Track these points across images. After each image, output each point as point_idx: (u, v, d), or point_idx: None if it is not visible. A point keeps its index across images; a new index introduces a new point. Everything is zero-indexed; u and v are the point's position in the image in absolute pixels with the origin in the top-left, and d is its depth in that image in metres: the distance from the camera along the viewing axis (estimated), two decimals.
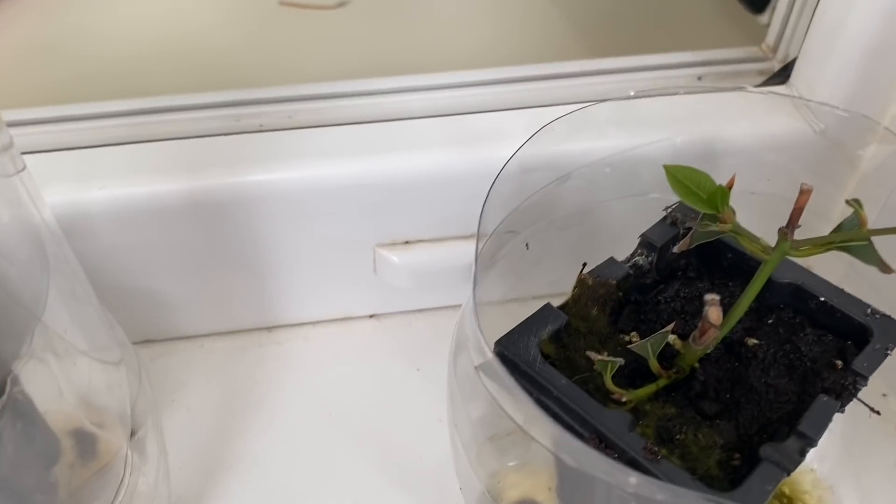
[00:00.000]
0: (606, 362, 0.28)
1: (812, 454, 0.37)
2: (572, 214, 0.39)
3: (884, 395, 0.43)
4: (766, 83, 0.48)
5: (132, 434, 0.34)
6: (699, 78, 0.50)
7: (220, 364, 0.48)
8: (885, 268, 0.26)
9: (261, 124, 0.45)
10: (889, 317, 0.31)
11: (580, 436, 0.28)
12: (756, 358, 0.31)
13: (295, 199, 0.42)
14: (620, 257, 0.34)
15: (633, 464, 0.27)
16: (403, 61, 0.57)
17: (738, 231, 0.28)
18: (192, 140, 0.43)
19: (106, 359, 0.34)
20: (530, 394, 0.28)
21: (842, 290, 0.32)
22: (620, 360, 0.29)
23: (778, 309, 0.33)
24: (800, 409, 0.29)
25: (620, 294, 0.33)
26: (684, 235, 0.32)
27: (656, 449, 0.27)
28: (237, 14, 0.63)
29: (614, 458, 0.26)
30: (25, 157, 0.29)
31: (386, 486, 0.42)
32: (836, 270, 0.35)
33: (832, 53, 0.42)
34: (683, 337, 0.31)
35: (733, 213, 0.28)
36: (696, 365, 0.31)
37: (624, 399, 0.29)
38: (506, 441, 0.36)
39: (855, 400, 0.30)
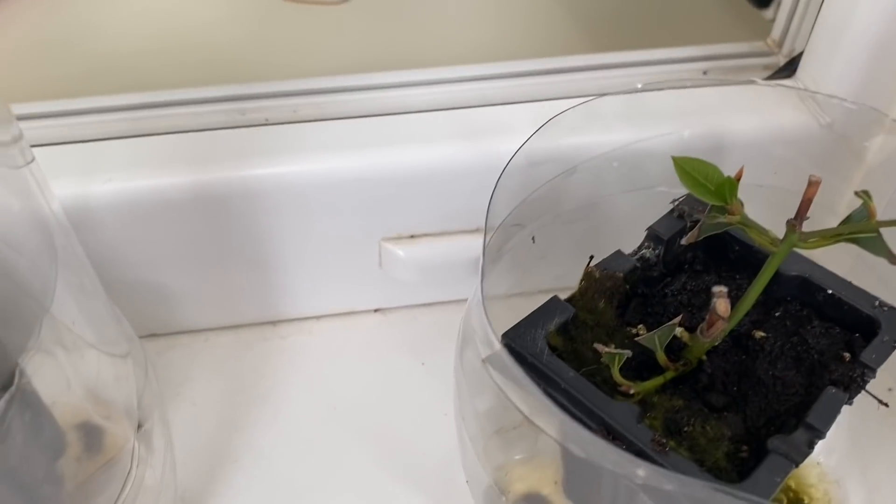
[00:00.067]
0: (614, 354, 0.28)
1: (818, 448, 0.37)
2: (579, 208, 0.39)
3: (889, 389, 0.43)
4: (771, 78, 0.48)
5: (139, 427, 0.34)
6: (704, 72, 0.50)
7: (224, 358, 0.48)
8: (893, 259, 0.26)
9: (266, 118, 0.45)
10: None
11: (588, 428, 0.28)
12: (763, 350, 0.31)
13: (300, 192, 0.42)
14: (626, 251, 0.34)
15: (641, 455, 0.27)
16: (408, 56, 0.57)
17: (747, 223, 0.28)
18: (197, 133, 0.43)
19: (113, 352, 0.34)
20: (538, 386, 0.28)
21: (849, 283, 0.32)
22: (628, 353, 0.28)
23: (785, 302, 0.33)
24: (807, 402, 0.29)
25: (627, 287, 0.33)
26: (691, 228, 0.32)
27: (664, 441, 0.27)
28: (242, 9, 0.63)
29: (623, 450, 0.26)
30: (32, 150, 0.29)
31: (391, 479, 0.42)
32: (843, 263, 0.35)
33: (838, 48, 0.42)
34: (690, 330, 0.31)
35: (741, 204, 0.28)
36: (704, 357, 0.31)
37: (632, 391, 0.29)
38: (512, 434, 0.36)
39: (861, 394, 0.30)
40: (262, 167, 0.42)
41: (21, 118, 0.44)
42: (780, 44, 0.49)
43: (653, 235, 0.34)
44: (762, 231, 0.29)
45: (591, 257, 0.33)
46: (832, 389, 0.28)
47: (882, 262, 0.27)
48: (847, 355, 0.30)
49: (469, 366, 0.33)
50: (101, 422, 0.33)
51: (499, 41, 0.61)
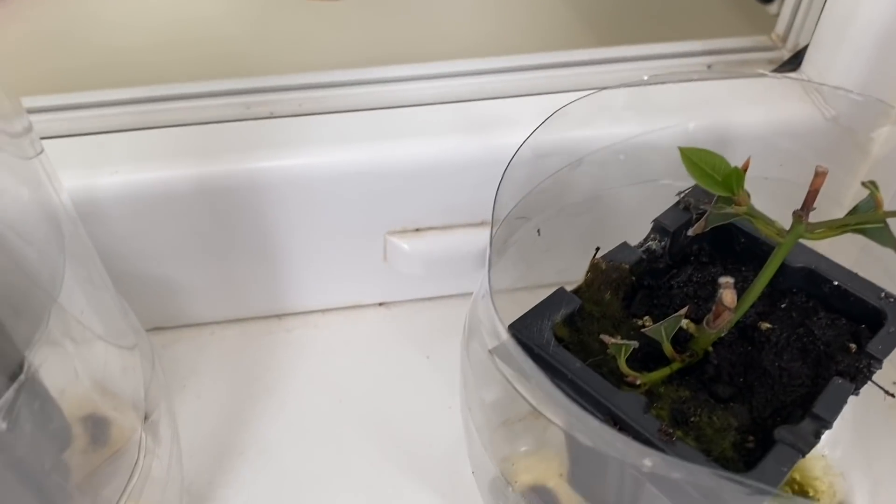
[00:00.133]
0: (620, 345, 0.28)
1: (823, 441, 0.37)
2: (584, 200, 0.39)
3: (894, 382, 0.43)
4: (776, 72, 0.48)
5: (146, 418, 0.35)
6: (709, 67, 0.50)
7: (230, 351, 0.48)
8: None
9: (271, 112, 0.45)
10: None
11: (595, 418, 0.28)
12: (769, 342, 0.31)
13: (305, 185, 0.42)
14: (632, 244, 0.34)
15: (648, 445, 0.27)
16: (412, 50, 0.57)
17: (753, 213, 0.28)
18: (202, 126, 0.43)
19: (121, 344, 0.34)
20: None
21: (855, 274, 0.32)
22: (635, 343, 0.29)
23: (791, 293, 0.33)
24: (813, 393, 0.29)
25: (633, 279, 0.33)
26: (698, 220, 0.32)
27: (671, 430, 0.27)
28: (247, 3, 0.63)
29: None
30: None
31: (396, 471, 0.42)
32: (849, 256, 0.35)
33: (843, 41, 0.42)
34: (696, 321, 0.31)
35: (748, 195, 0.28)
36: (710, 349, 0.31)
37: (638, 382, 0.29)
38: (518, 426, 0.36)
39: (867, 388, 0.30)
40: (267, 160, 0.42)
41: (29, 111, 0.44)
42: (785, 38, 0.49)
43: (659, 227, 0.34)
44: (769, 222, 0.29)
45: (598, 249, 0.33)
46: (838, 380, 0.28)
47: (888, 253, 0.27)
48: (853, 346, 0.30)
49: (475, 357, 0.33)
50: (108, 413, 0.33)
51: (503, 35, 0.61)
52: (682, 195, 0.35)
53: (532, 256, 0.40)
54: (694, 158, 0.28)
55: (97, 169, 0.40)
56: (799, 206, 0.28)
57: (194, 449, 0.43)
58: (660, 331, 0.29)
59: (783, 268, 0.32)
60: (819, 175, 0.27)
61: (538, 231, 0.38)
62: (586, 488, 0.33)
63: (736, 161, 0.29)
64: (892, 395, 0.30)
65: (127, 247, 0.43)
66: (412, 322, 0.49)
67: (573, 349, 0.30)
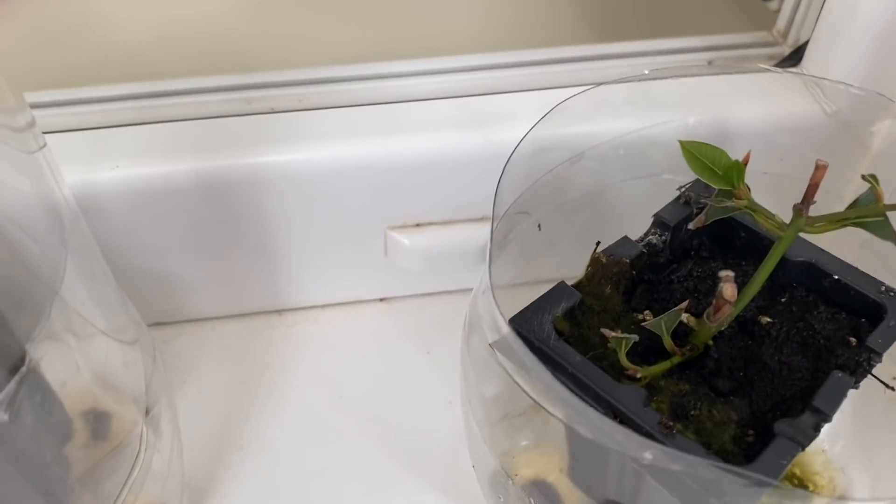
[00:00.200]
0: (621, 339, 0.28)
1: (824, 435, 0.37)
2: (584, 195, 0.39)
3: (894, 377, 0.43)
4: (777, 67, 0.48)
5: (147, 412, 0.35)
6: (709, 62, 0.50)
7: (230, 346, 0.48)
8: None
9: (271, 107, 0.45)
10: None
11: (596, 411, 0.28)
12: (769, 336, 0.31)
13: (306, 180, 0.43)
14: (633, 239, 0.34)
15: (648, 438, 0.27)
16: (413, 45, 0.57)
17: (754, 207, 0.29)
18: (203, 121, 0.43)
19: (122, 338, 0.34)
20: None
21: (855, 268, 0.32)
22: (635, 337, 0.29)
23: (791, 287, 0.33)
24: (813, 386, 0.29)
25: (634, 273, 0.33)
26: (698, 214, 0.32)
27: (671, 424, 0.27)
28: None
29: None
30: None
31: (396, 466, 0.42)
32: (850, 250, 0.35)
33: (844, 37, 0.42)
34: (697, 315, 0.31)
35: (748, 189, 0.28)
36: (710, 343, 0.31)
37: (638, 375, 0.29)
38: (518, 421, 0.36)
39: (867, 383, 0.30)
40: (268, 155, 0.42)
41: (30, 106, 0.44)
42: (785, 34, 0.50)
43: (659, 222, 0.34)
44: (769, 215, 0.29)
45: (598, 243, 0.34)
46: (838, 374, 0.28)
47: (889, 247, 0.27)
48: (853, 340, 0.30)
49: (476, 352, 0.33)
50: (110, 407, 0.33)
51: (504, 31, 0.61)
52: (683, 189, 0.35)
53: (532, 251, 0.40)
54: (694, 152, 0.28)
55: (98, 163, 0.40)
56: (800, 201, 0.28)
57: (195, 443, 0.43)
58: (660, 325, 0.29)
59: (783, 262, 0.32)
60: (819, 168, 0.27)
61: (539, 226, 0.38)
62: (586, 482, 0.33)
63: (736, 156, 0.29)
64: (893, 389, 0.30)
65: (128, 241, 0.43)
66: (413, 317, 0.50)
67: (574, 343, 0.30)
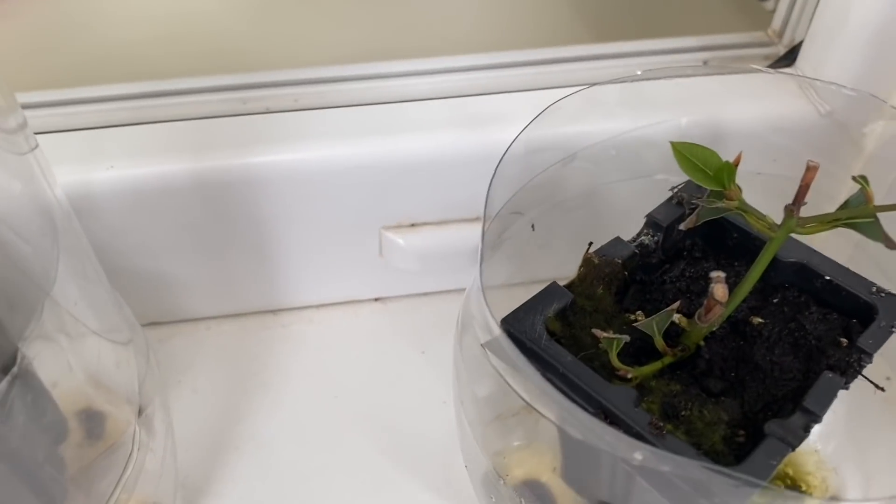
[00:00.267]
0: (612, 339, 0.29)
1: (816, 436, 0.37)
2: (578, 195, 0.39)
3: (888, 378, 0.43)
4: (771, 67, 0.48)
5: (140, 412, 0.35)
6: (705, 62, 0.50)
7: (226, 346, 0.48)
8: (890, 244, 0.26)
9: (267, 107, 0.45)
10: (894, 295, 0.31)
11: (586, 412, 0.28)
12: (761, 336, 0.31)
13: (301, 180, 0.43)
14: (626, 238, 0.34)
15: (639, 438, 0.27)
16: (408, 45, 0.57)
17: (745, 208, 0.29)
18: (198, 121, 0.43)
19: (115, 339, 0.34)
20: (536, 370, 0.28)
21: (847, 269, 0.32)
22: (626, 337, 0.29)
23: (783, 288, 0.33)
24: (804, 387, 0.29)
25: (626, 273, 0.33)
26: (690, 215, 0.32)
27: (661, 424, 0.27)
28: None
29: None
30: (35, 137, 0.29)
31: (391, 465, 0.42)
32: (842, 252, 0.35)
33: (838, 37, 0.42)
34: (689, 316, 0.31)
35: (740, 190, 0.29)
36: (702, 343, 0.31)
37: (629, 376, 0.29)
38: (511, 421, 0.36)
39: (860, 384, 0.30)
40: (264, 155, 0.42)
41: (25, 106, 0.44)
42: (781, 34, 0.50)
43: (652, 222, 0.34)
44: (760, 216, 0.29)
45: (591, 243, 0.34)
46: (829, 374, 0.29)
47: (881, 248, 0.27)
48: (844, 341, 0.30)
49: (468, 352, 0.33)
50: (103, 407, 0.33)
51: (499, 31, 0.61)
52: (676, 190, 0.35)
53: (526, 251, 0.40)
54: (685, 153, 0.28)
55: (93, 164, 0.40)
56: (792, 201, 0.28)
57: (190, 443, 0.43)
58: (652, 325, 0.29)
59: (775, 262, 0.32)
60: (810, 170, 0.27)
61: (532, 226, 0.38)
62: (579, 482, 0.33)
63: (730, 156, 0.29)
64: (883, 390, 0.30)
65: (123, 242, 0.43)
66: (408, 317, 0.50)
67: (565, 343, 0.30)
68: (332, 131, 0.43)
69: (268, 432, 0.44)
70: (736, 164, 0.28)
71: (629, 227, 0.35)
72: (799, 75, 0.45)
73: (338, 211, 0.44)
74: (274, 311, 0.50)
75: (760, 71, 0.41)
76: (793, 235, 0.29)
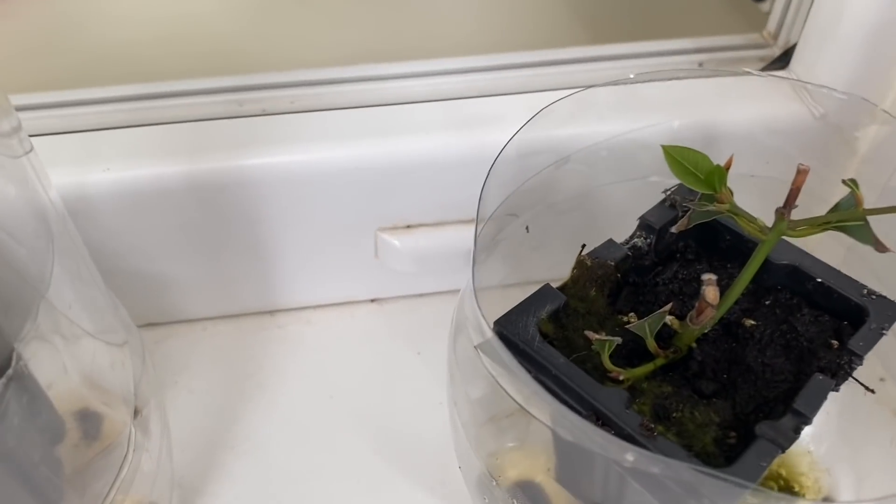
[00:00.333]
0: (604, 341, 0.29)
1: (809, 437, 0.37)
2: (572, 198, 0.39)
3: (882, 379, 0.43)
4: (766, 69, 0.48)
5: (136, 413, 0.35)
6: (700, 64, 0.50)
7: (222, 347, 0.48)
8: (880, 247, 0.26)
9: (263, 109, 0.45)
10: (885, 297, 0.31)
11: (578, 413, 0.28)
12: (753, 338, 0.31)
13: (297, 182, 0.43)
14: (620, 241, 0.34)
15: (630, 440, 0.27)
16: (405, 47, 0.57)
17: (736, 211, 0.29)
18: (194, 123, 0.44)
19: (110, 340, 0.35)
20: (528, 372, 0.28)
21: (838, 272, 0.32)
22: (618, 339, 0.29)
23: (775, 290, 0.33)
24: (796, 389, 0.29)
25: (619, 275, 0.34)
26: (683, 217, 0.32)
27: (652, 426, 0.27)
28: (240, 0, 0.63)
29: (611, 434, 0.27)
30: (31, 139, 0.29)
31: (386, 466, 0.42)
32: (836, 255, 0.35)
33: (831, 39, 0.42)
34: (681, 318, 0.31)
35: (731, 193, 0.29)
36: (694, 345, 0.31)
37: (621, 377, 0.29)
38: (505, 422, 0.36)
39: (853, 384, 0.30)
40: (259, 157, 0.42)
41: (21, 109, 0.45)
42: (776, 36, 0.50)
43: (644, 224, 0.34)
44: (751, 219, 0.29)
45: (583, 246, 0.34)
46: (819, 376, 0.29)
47: (873, 252, 0.27)
48: (835, 343, 0.30)
49: (462, 354, 0.33)
50: (100, 408, 0.33)
51: (495, 33, 0.62)
52: (668, 193, 0.35)
53: (521, 253, 0.40)
54: (676, 156, 0.28)
55: (89, 166, 0.41)
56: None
57: (186, 443, 0.43)
58: (644, 327, 0.30)
59: (768, 265, 0.32)
60: (801, 173, 0.28)
61: (527, 228, 0.38)
62: (573, 484, 0.34)
63: (723, 159, 0.29)
64: (873, 392, 0.30)
65: (119, 243, 0.43)
66: (403, 318, 0.50)
67: (558, 345, 0.30)
68: (328, 133, 0.43)
69: (264, 433, 0.44)
70: (727, 167, 0.28)
71: (623, 229, 0.35)
72: (792, 78, 0.45)
73: (334, 212, 0.45)
74: (270, 312, 0.50)
75: (751, 74, 0.41)
76: (785, 238, 0.29)
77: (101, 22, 0.61)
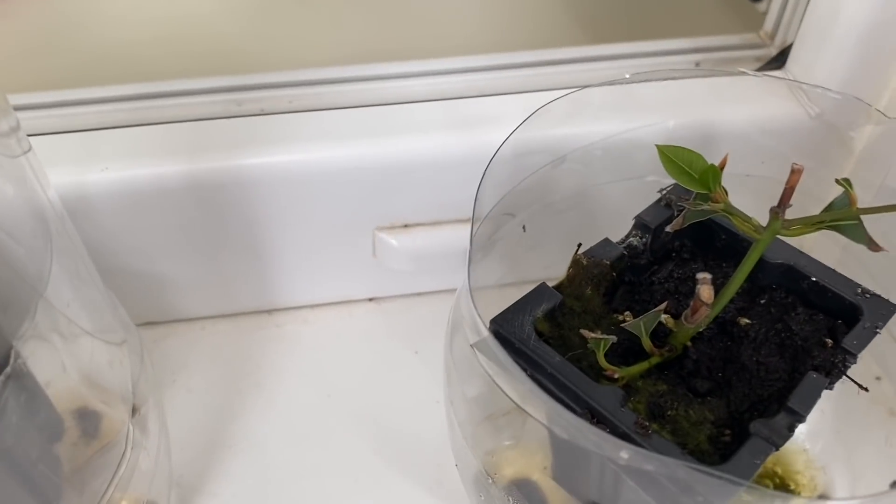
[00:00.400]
0: (600, 340, 0.29)
1: (804, 435, 0.37)
2: (569, 197, 0.39)
3: (877, 378, 0.44)
4: (762, 69, 0.48)
5: (134, 412, 0.35)
6: (697, 64, 0.50)
7: (221, 346, 0.48)
8: (873, 246, 0.27)
9: (262, 109, 0.46)
10: (879, 296, 0.31)
11: (573, 411, 0.28)
12: (748, 337, 0.31)
13: (295, 181, 0.43)
14: (616, 240, 0.35)
15: (625, 438, 0.27)
16: (402, 47, 0.58)
17: (730, 210, 0.29)
18: (193, 123, 0.44)
19: (109, 339, 0.35)
20: (524, 371, 0.29)
21: (833, 270, 0.32)
22: (613, 338, 0.29)
23: (770, 289, 0.33)
24: (790, 387, 0.29)
25: (614, 274, 0.34)
26: (678, 216, 0.32)
27: (647, 424, 0.27)
28: (239, 1, 0.64)
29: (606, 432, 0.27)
30: (30, 139, 0.29)
31: (383, 464, 0.42)
32: (831, 255, 0.35)
33: (827, 38, 0.42)
34: (677, 317, 0.31)
35: (725, 192, 0.29)
36: (689, 344, 0.31)
37: (616, 376, 0.29)
38: (502, 421, 0.36)
39: (849, 383, 0.30)
40: (258, 156, 0.42)
41: (19, 108, 0.45)
42: (773, 36, 0.50)
43: (640, 224, 0.34)
44: (746, 218, 0.29)
45: (579, 245, 0.34)
46: (814, 374, 0.29)
47: (867, 251, 0.27)
48: (829, 341, 0.31)
49: (458, 352, 0.33)
50: (98, 407, 0.33)
51: (493, 32, 0.62)
52: (664, 192, 0.35)
53: (518, 252, 0.40)
54: (671, 155, 0.28)
55: (88, 165, 0.41)
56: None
57: (184, 442, 0.43)
58: (639, 325, 0.30)
59: (763, 264, 0.32)
60: (795, 172, 0.28)
61: (523, 227, 0.39)
62: (568, 482, 0.34)
63: (719, 158, 0.29)
64: (867, 390, 0.30)
65: (118, 243, 0.44)
66: (401, 317, 0.50)
67: (554, 344, 0.31)
68: (326, 133, 0.43)
69: (262, 431, 0.44)
70: (721, 166, 0.29)
71: (618, 228, 0.35)
72: (787, 78, 0.45)
73: (332, 212, 0.45)
74: (268, 311, 0.50)
75: (746, 74, 0.41)
76: (779, 237, 0.29)
77: (99, 22, 0.61)
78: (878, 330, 0.30)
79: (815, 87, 0.40)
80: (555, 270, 0.35)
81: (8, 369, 0.25)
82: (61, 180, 0.40)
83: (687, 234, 0.35)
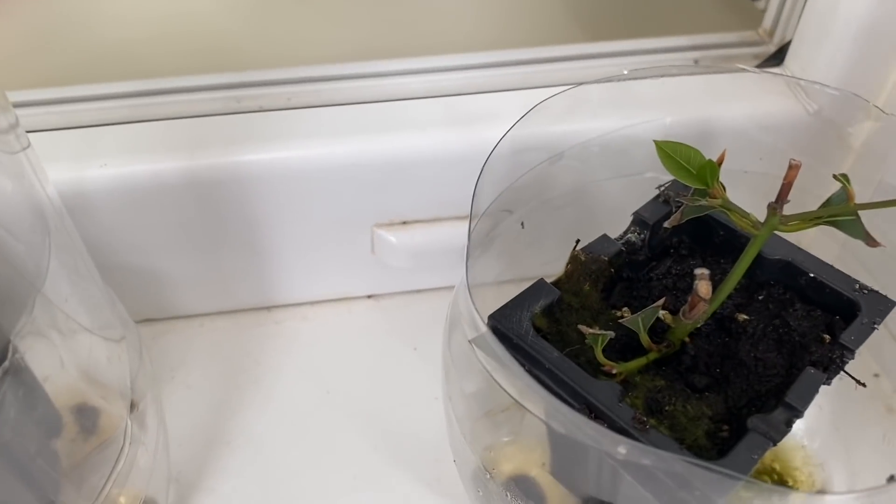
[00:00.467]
0: (598, 335, 0.29)
1: (803, 432, 0.37)
2: (566, 193, 0.39)
3: (875, 374, 0.44)
4: (761, 66, 0.48)
5: (132, 408, 0.35)
6: (696, 61, 0.50)
7: (219, 343, 0.48)
8: (871, 241, 0.27)
9: (260, 105, 0.46)
10: (877, 292, 0.31)
11: (571, 407, 0.28)
12: (746, 333, 0.31)
13: (294, 178, 0.43)
14: (614, 236, 0.35)
15: (623, 433, 0.27)
16: (401, 44, 0.58)
17: (728, 206, 0.29)
18: (191, 120, 0.44)
19: (107, 335, 0.35)
20: (522, 366, 0.29)
21: (831, 266, 0.32)
22: (611, 333, 0.29)
23: (768, 285, 0.33)
24: (788, 382, 0.29)
25: (613, 270, 0.34)
26: (676, 212, 0.32)
27: (645, 419, 0.27)
28: None
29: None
30: (29, 135, 0.29)
31: (382, 461, 0.42)
32: (830, 251, 0.35)
33: (825, 36, 0.42)
34: (675, 312, 0.31)
35: (723, 188, 0.29)
36: (687, 339, 0.31)
37: (614, 371, 0.29)
38: (500, 417, 0.37)
39: (848, 381, 0.30)
40: (257, 153, 0.42)
41: (19, 105, 0.45)
42: (772, 33, 0.50)
43: (638, 220, 0.34)
44: (743, 214, 0.29)
45: (577, 241, 0.34)
46: (811, 370, 0.29)
47: (865, 247, 0.27)
48: (827, 337, 0.31)
49: (457, 348, 0.33)
50: (96, 403, 0.33)
51: (492, 30, 0.62)
52: (662, 188, 0.35)
53: (516, 249, 0.40)
54: (669, 151, 0.28)
55: (87, 162, 0.41)
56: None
57: (183, 438, 0.43)
58: (637, 321, 0.30)
59: (761, 260, 0.32)
60: (792, 168, 0.28)
61: (522, 224, 0.39)
62: (567, 477, 0.34)
63: (717, 155, 0.29)
64: (864, 385, 0.30)
65: (117, 239, 0.44)
66: (400, 314, 0.50)
67: (552, 339, 0.31)
68: (324, 130, 0.43)
69: (260, 428, 0.44)
70: (719, 162, 0.29)
71: (617, 224, 0.35)
72: (786, 75, 0.45)
73: (330, 208, 0.45)
74: (267, 308, 0.50)
75: (746, 70, 0.41)
76: (778, 233, 0.29)
77: (98, 19, 0.61)
78: (875, 326, 0.30)
79: (813, 83, 0.40)
80: (553, 267, 0.35)
81: (6, 364, 0.25)
82: (60, 177, 0.40)
83: (685, 230, 0.35)
